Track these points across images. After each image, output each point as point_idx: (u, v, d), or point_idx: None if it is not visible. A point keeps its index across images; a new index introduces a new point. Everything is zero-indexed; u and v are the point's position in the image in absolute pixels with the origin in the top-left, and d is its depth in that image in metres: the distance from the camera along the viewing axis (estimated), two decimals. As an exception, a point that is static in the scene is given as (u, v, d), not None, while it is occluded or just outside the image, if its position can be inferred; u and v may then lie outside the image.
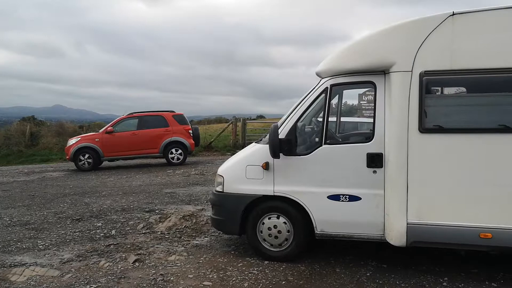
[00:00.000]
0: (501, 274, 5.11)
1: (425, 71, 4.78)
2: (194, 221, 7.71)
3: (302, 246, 5.55)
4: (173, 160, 16.40)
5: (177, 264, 5.63)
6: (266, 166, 5.45)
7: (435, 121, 4.85)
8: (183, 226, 7.41)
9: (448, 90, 5.32)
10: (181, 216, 7.89)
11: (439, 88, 5.15)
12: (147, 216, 8.14)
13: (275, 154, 5.25)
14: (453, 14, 4.67)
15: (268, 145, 5.30)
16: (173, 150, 16.40)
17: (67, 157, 16.20)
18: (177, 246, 6.41)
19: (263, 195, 5.52)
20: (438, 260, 5.54)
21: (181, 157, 16.49)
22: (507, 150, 4.65)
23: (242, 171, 5.62)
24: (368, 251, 5.86)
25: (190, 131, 16.75)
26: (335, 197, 5.24)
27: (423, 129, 4.83)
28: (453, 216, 4.83)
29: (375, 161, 5.09)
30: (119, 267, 5.56)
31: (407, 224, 4.92)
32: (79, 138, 16.32)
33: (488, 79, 4.76)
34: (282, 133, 5.36)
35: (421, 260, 5.55)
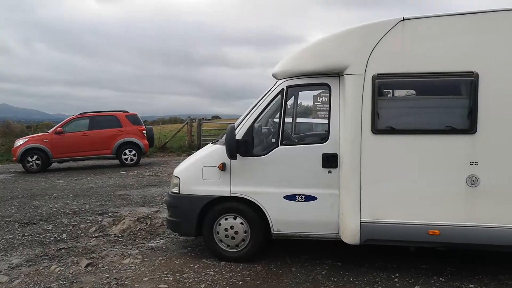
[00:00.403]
0: (448, 269, 5.35)
1: (377, 74, 4.93)
2: (149, 223, 7.58)
3: (259, 247, 5.58)
4: (126, 161, 16.06)
5: (132, 268, 5.51)
6: (222, 167, 5.44)
7: (387, 123, 5.01)
8: (138, 229, 7.26)
9: (399, 93, 5.51)
10: (135, 219, 7.74)
11: (391, 91, 5.33)
12: (100, 219, 7.93)
13: (232, 155, 5.25)
14: (403, 19, 4.85)
15: (224, 146, 5.29)
16: (127, 151, 16.07)
17: (14, 158, 15.51)
18: (131, 249, 6.28)
19: (220, 196, 5.51)
20: (390, 257, 5.71)
21: (135, 158, 16.18)
22: (453, 150, 4.88)
23: (198, 172, 5.58)
24: (323, 250, 5.97)
25: (144, 132, 16.47)
26: (291, 197, 5.31)
27: (376, 130, 4.98)
28: (403, 214, 5.01)
29: (330, 161, 5.19)
30: (71, 272, 5.39)
31: (360, 222, 5.05)
32: (27, 139, 15.69)
33: (436, 82, 4.97)
34: (239, 134, 5.37)
35: (375, 257, 5.71)
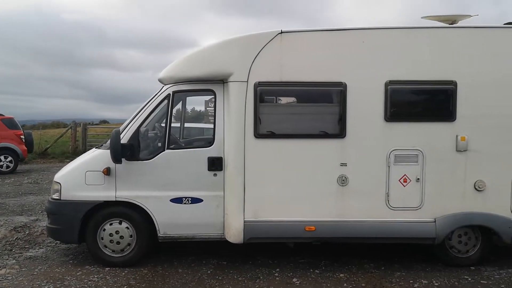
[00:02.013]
0: (323, 261, 5.85)
1: (259, 82, 5.26)
2: (27, 232, 7.13)
3: (145, 250, 5.58)
4: (1, 168, 14.77)
5: (8, 278, 5.19)
6: (107, 172, 5.36)
7: (268, 128, 5.37)
8: (14, 238, 6.80)
9: (279, 100, 5.91)
10: (11, 228, 7.23)
11: (272, 98, 5.69)
12: (-31, 231, 7.25)
13: (116, 159, 5.20)
14: (281, 32, 5.25)
15: (109, 150, 5.22)
16: (2, 158, 14.79)
17: None
18: (7, 259, 5.88)
19: (104, 201, 5.42)
20: (272, 253, 6.08)
21: (12, 165, 14.95)
22: (326, 153, 5.38)
23: (81, 177, 5.43)
24: (210, 250, 6.14)
25: (22, 137, 15.31)
26: (178, 200, 5.41)
27: (258, 134, 5.31)
28: (283, 212, 5.39)
29: (215, 164, 5.39)
30: None
31: (244, 222, 5.34)
32: None
33: (311, 91, 5.46)
34: (125, 138, 5.34)
35: (258, 255, 6.03)
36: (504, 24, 5.45)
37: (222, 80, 5.40)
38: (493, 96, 5.32)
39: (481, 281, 5.22)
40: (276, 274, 5.41)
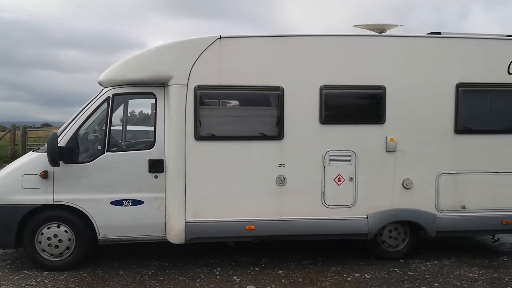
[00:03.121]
0: (263, 259, 6.05)
1: (199, 86, 5.39)
2: (-40, 239, 6.85)
3: (84, 253, 5.56)
4: None
5: None
6: (44, 175, 5.30)
7: (208, 130, 5.50)
8: None
9: (220, 103, 6.06)
10: None
11: (212, 101, 5.84)
12: None
13: (54, 162, 5.16)
14: (221, 37, 5.40)
15: (46, 153, 5.17)
16: None
17: None
18: None
19: (42, 205, 5.35)
20: (214, 253, 6.21)
21: None
22: (265, 155, 5.58)
23: (17, 181, 5.33)
24: (152, 252, 6.19)
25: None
26: (118, 203, 5.43)
27: (198, 137, 5.44)
28: (224, 213, 5.55)
29: (156, 166, 5.46)
30: None
31: (185, 223, 5.44)
32: None
33: (250, 94, 5.65)
34: (63, 141, 5.30)
35: (200, 254, 6.14)
36: (428, 33, 5.86)
37: (163, 84, 5.47)
38: (418, 100, 5.73)
39: (409, 273, 5.60)
40: (217, 273, 5.55)
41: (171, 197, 5.46)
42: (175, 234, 5.47)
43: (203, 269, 5.68)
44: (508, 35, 5.92)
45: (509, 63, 5.80)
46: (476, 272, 5.64)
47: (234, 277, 5.41)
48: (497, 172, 5.88)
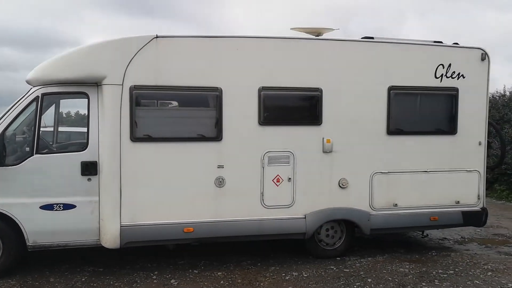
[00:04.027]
0: (202, 261, 6.00)
1: (134, 86, 5.25)
2: None
3: (13, 260, 5.26)
4: None
5: None
6: (-34, 179, 4.96)
7: (145, 131, 5.38)
8: None
9: (158, 103, 5.94)
10: None
11: (149, 101, 5.71)
12: None
13: (-24, 165, 4.84)
14: (157, 36, 5.29)
15: (-33, 156, 4.84)
16: None
17: None
18: None
19: (-37, 211, 5.01)
20: (151, 257, 6.09)
21: None
22: (204, 156, 5.54)
23: None
24: (85, 257, 5.96)
25: None
26: (48, 207, 5.19)
27: (134, 138, 5.30)
28: (161, 215, 5.44)
29: (89, 169, 5.26)
30: None
31: (120, 227, 5.29)
32: None
33: (188, 95, 5.59)
34: (-14, 142, 4.99)
35: (137, 259, 6.00)
36: (361, 38, 6.06)
37: (96, 83, 5.28)
38: (353, 102, 5.91)
39: (344, 270, 5.76)
40: (154, 277, 5.43)
41: (106, 200, 5.29)
42: (110, 238, 5.30)
43: (140, 273, 5.54)
44: (435, 41, 6.25)
45: (436, 67, 6.12)
46: (407, 267, 5.90)
47: (172, 281, 5.32)
48: (426, 171, 6.19)
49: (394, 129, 6.06)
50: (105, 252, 5.52)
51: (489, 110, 6.59)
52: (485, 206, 6.48)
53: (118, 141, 5.25)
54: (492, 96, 14.63)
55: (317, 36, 6.03)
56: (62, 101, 6.29)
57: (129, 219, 5.33)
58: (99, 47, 5.29)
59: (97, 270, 5.62)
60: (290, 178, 5.80)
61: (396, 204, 6.14)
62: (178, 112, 5.78)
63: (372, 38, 6.05)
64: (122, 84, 5.22)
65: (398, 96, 6.04)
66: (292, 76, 5.74)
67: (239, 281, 5.37)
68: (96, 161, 5.29)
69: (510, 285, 5.27)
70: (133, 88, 5.25)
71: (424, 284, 5.29)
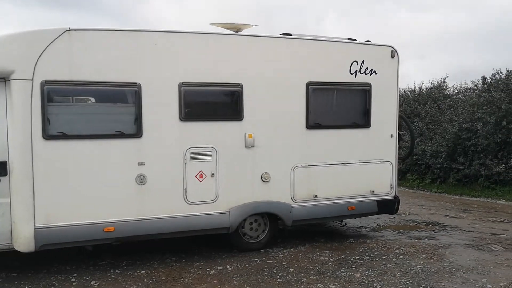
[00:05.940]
0: (125, 261, 5.88)
1: (46, 81, 5.00)
2: None
3: None
4: None
5: None
6: None
7: (59, 128, 5.15)
8: None
9: (73, 99, 5.69)
10: None
11: (63, 97, 5.45)
12: None
13: None
14: (69, 29, 5.07)
15: None
16: None
17: None
18: None
19: None
20: (69, 259, 5.86)
21: None
22: (123, 153, 5.41)
23: None
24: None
25: None
26: (-49, 212, 4.82)
27: (47, 136, 5.06)
28: (80, 215, 5.24)
29: (-2, 169, 4.96)
30: None
31: (35, 229, 5.03)
32: None
33: (105, 91, 5.42)
34: None
35: (53, 262, 5.74)
36: (280, 34, 6.21)
37: (4, 78, 4.97)
38: (273, 97, 6.05)
39: (268, 261, 5.89)
40: (73, 280, 5.24)
41: (17, 202, 5.01)
42: (24, 242, 5.02)
43: (58, 277, 5.32)
44: (349, 38, 6.54)
45: (350, 63, 6.42)
46: (327, 255, 6.16)
47: (92, 282, 5.17)
48: (343, 164, 6.49)
49: (313, 123, 6.28)
50: (19, 256, 5.22)
51: (401, 105, 7.05)
52: (397, 194, 6.92)
53: (29, 139, 4.98)
54: (404, 92, 15.66)
55: (237, 32, 6.09)
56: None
57: (44, 220, 5.08)
58: (6, 40, 4.96)
59: (10, 275, 5.32)
60: (213, 174, 5.82)
61: (316, 196, 6.37)
62: (95, 108, 5.58)
63: (290, 34, 6.22)
64: (32, 79, 4.95)
65: (316, 92, 6.26)
66: (212, 71, 5.75)
67: (163, 278, 5.32)
68: (6, 161, 4.98)
69: (420, 266, 5.67)
70: (44, 83, 5.00)
71: (342, 270, 5.55)
